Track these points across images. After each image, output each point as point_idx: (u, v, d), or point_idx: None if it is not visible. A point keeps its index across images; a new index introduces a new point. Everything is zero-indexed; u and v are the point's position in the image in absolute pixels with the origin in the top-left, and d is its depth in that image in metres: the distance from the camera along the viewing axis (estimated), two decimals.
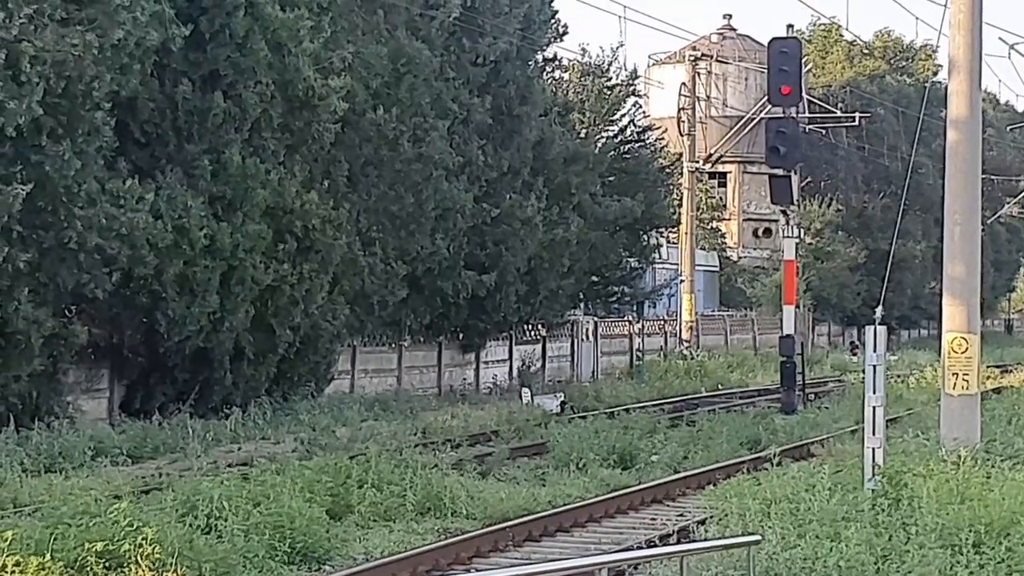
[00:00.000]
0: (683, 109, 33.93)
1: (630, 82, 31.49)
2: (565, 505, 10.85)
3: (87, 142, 14.00)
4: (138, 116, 15.81)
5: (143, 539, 7.02)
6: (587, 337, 28.74)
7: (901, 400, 17.13)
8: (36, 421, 14.13)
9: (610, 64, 30.63)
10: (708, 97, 36.88)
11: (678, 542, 8.61)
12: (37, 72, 12.78)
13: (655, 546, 8.23)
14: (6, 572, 6.49)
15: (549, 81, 27.03)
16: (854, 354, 20.34)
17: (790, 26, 22.21)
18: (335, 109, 17.64)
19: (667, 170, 31.44)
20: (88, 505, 7.96)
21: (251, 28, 16.41)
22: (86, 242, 14.02)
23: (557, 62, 27.09)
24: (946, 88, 11.66)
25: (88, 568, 7.04)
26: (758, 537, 6.70)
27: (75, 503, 8.08)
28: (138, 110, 15.74)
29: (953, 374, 9.60)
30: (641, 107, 33.08)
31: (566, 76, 29.16)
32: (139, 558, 6.94)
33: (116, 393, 17.29)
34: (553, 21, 25.65)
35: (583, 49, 30.27)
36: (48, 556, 6.65)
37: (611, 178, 27.36)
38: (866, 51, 44.52)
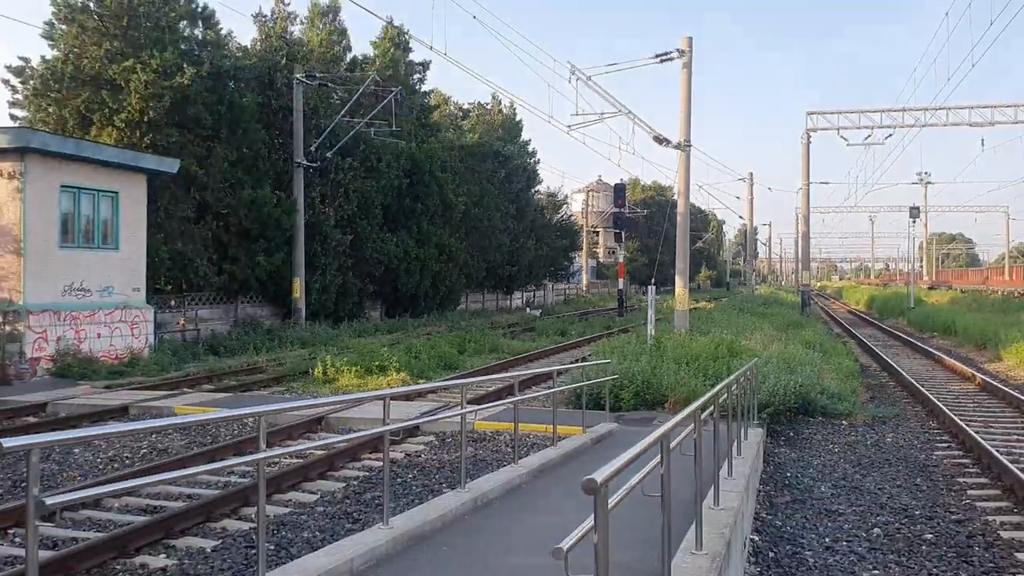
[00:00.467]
0: (584, 210, 76.70)
1: (566, 200, 65.29)
2: (542, 348, 25.52)
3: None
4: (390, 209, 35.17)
5: (393, 360, 20.61)
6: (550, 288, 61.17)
7: (662, 311, 30.76)
8: (355, 320, 31.51)
9: (561, 195, 63.67)
10: (589, 205, 76.81)
11: (583, 360, 21.75)
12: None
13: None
14: (341, 372, 20.04)
15: (535, 195, 57.36)
16: (644, 295, 37.34)
17: (621, 180, 40.82)
18: (460, 208, 38.74)
19: (576, 230, 65.67)
20: (373, 348, 22.27)
21: (432, 180, 37.14)
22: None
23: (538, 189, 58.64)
24: (675, 201, 25.05)
25: (372, 371, 20.36)
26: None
27: (367, 347, 22.44)
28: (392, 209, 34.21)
29: (680, 301, 22.80)
30: (569, 207, 68.58)
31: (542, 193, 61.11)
32: (392, 368, 20.55)
33: (383, 309, 36.92)
34: (538, 177, 56.05)
35: (549, 190, 63.18)
36: (358, 365, 20.16)
37: (558, 232, 55.27)
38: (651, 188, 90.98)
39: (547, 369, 14.57)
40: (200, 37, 28.73)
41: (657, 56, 23.39)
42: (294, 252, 29.78)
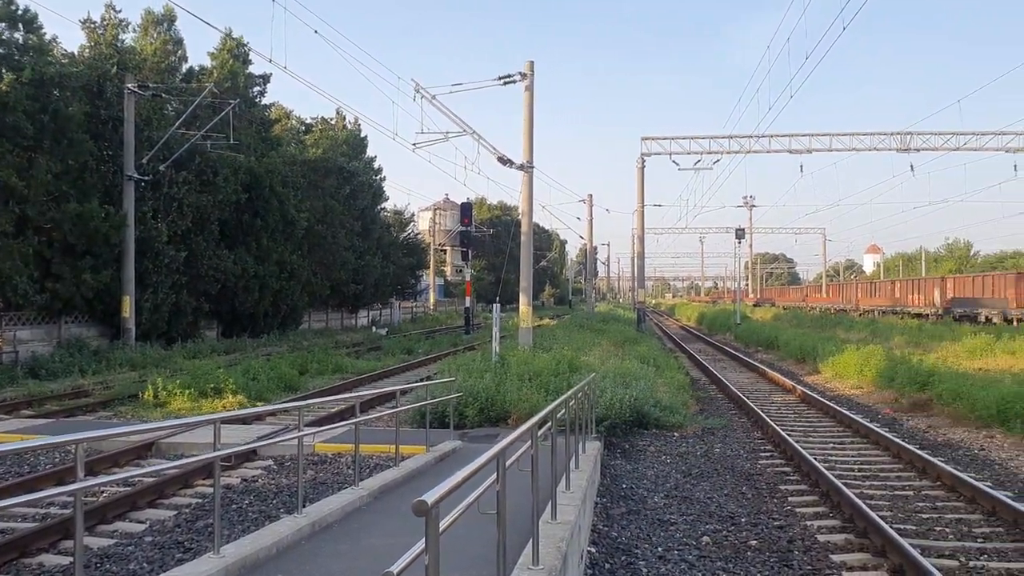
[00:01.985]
0: (431, 228, 76.57)
1: (412, 218, 68.15)
2: (387, 367, 25.32)
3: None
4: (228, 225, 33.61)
5: (230, 382, 19.99)
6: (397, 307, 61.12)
7: (507, 329, 32.00)
8: (190, 340, 29.97)
9: (408, 213, 66.44)
10: (436, 223, 77.76)
11: (429, 378, 21.82)
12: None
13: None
14: (174, 395, 19.25)
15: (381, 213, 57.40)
16: (491, 313, 37.49)
17: (468, 199, 42.43)
18: (303, 224, 38.82)
19: (423, 248, 66.50)
20: (208, 369, 21.46)
21: (273, 195, 36.57)
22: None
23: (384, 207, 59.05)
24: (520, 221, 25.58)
25: (207, 394, 19.85)
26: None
27: (202, 369, 21.60)
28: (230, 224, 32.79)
29: (523, 319, 23.32)
30: (416, 225, 69.59)
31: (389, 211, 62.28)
32: (228, 390, 19.88)
33: (219, 329, 35.98)
34: (384, 194, 56.50)
35: (396, 208, 65.02)
36: (191, 388, 19.24)
37: (404, 250, 55.34)
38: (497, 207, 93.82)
39: (391, 389, 14.44)
40: (21, 41, 26.90)
41: (500, 78, 23.76)
42: (123, 269, 28.29)
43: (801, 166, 53.97)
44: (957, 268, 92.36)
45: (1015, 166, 43.53)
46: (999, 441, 15.09)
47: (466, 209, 37.41)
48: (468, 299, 46.94)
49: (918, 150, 44.16)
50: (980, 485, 10.76)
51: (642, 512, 10.25)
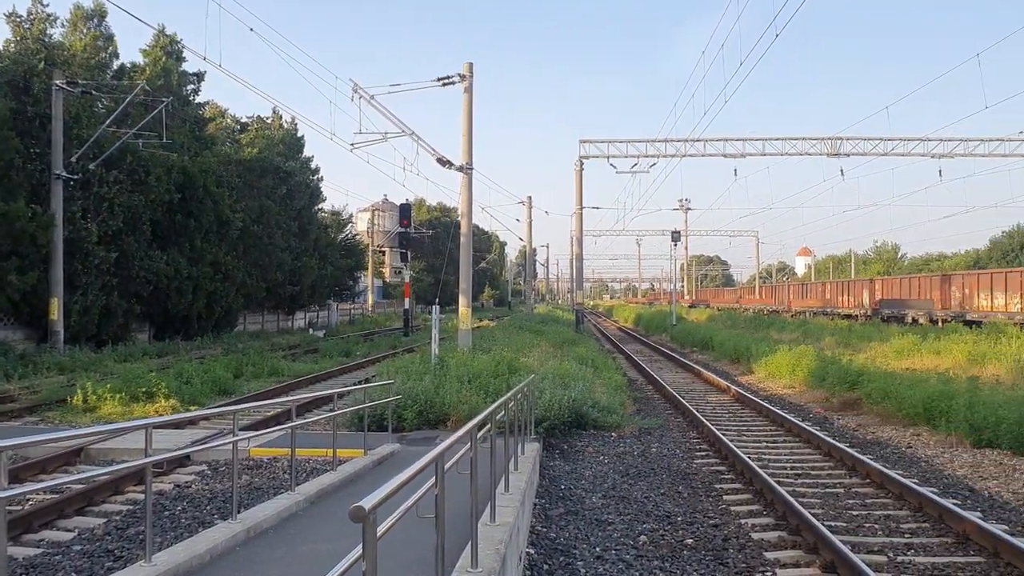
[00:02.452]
0: (370, 229, 75.81)
1: (351, 219, 66.64)
2: (325, 370, 25.06)
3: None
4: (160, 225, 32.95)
5: (162, 386, 19.46)
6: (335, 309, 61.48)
7: (447, 330, 32.29)
8: (120, 343, 29.21)
9: (346, 213, 65.33)
10: (375, 224, 77.94)
11: (367, 381, 21.65)
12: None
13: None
14: (104, 399, 18.70)
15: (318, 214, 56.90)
16: (430, 314, 38.48)
17: (407, 200, 41.10)
18: (238, 225, 38.26)
19: (362, 249, 65.68)
20: (140, 373, 20.97)
21: (207, 195, 35.75)
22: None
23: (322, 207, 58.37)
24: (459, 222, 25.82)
25: (138, 399, 19.05)
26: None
27: (134, 373, 21.09)
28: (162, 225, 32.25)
29: (463, 320, 23.35)
30: (354, 226, 68.35)
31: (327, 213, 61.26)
32: (160, 394, 19.39)
33: (151, 331, 35.04)
34: (321, 194, 56.30)
35: (334, 209, 63.82)
36: (122, 392, 18.66)
37: (343, 251, 55.52)
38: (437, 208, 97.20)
39: (328, 392, 14.32)
40: None
41: (439, 79, 23.70)
42: (51, 270, 27.49)
43: (735, 170, 54.65)
44: (885, 270, 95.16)
45: (940, 171, 45.08)
46: (925, 439, 15.54)
47: (405, 210, 37.17)
48: (407, 301, 46.76)
49: (848, 155, 45.28)
50: (907, 482, 11.07)
51: (580, 512, 10.31)
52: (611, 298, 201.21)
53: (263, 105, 45.97)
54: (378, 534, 3.10)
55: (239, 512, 7.63)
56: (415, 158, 63.84)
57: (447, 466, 4.99)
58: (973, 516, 9.31)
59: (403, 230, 35.83)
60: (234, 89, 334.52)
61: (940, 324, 37.54)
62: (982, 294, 42.03)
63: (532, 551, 8.55)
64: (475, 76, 23.73)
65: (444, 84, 23.61)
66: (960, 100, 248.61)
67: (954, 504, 9.98)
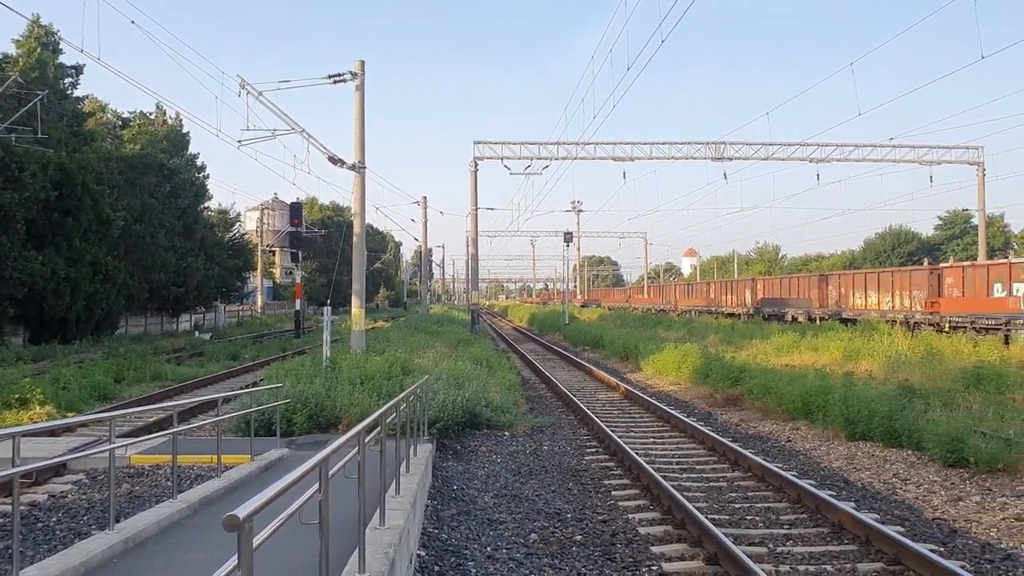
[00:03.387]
0: (259, 228, 73.10)
1: (239, 218, 64.80)
2: (211, 374, 24.41)
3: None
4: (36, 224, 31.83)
5: (37, 392, 18.59)
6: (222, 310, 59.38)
7: (339, 332, 32.37)
8: None
9: (233, 212, 63.07)
10: (264, 223, 75.29)
11: (256, 384, 21.18)
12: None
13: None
14: None
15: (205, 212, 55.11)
16: (322, 316, 37.51)
17: (298, 198, 42.47)
18: (119, 224, 36.85)
19: (250, 249, 63.75)
20: (13, 378, 19.87)
21: (86, 193, 34.35)
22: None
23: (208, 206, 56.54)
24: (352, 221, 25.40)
25: (11, 405, 17.94)
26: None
27: (6, 378, 19.94)
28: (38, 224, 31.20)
29: (356, 322, 23.18)
30: (242, 225, 67.40)
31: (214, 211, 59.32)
32: (35, 400, 18.48)
33: (26, 335, 33.37)
34: (207, 193, 53.84)
35: (221, 207, 61.28)
36: None
37: (230, 251, 54.15)
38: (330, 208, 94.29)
39: (214, 396, 13.89)
40: None
41: (330, 77, 23.35)
42: None
43: (624, 173, 56.00)
44: (766, 270, 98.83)
45: (818, 175, 47.11)
46: (804, 432, 16.19)
47: (296, 209, 36.58)
48: (298, 302, 45.96)
49: (731, 159, 46.79)
50: (787, 475, 11.52)
51: (472, 512, 10.33)
52: (506, 298, 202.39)
53: (147, 100, 44.48)
54: (255, 543, 3.04)
55: (118, 522, 7.35)
56: (306, 156, 63.13)
57: (333, 471, 4.93)
58: (847, 506, 9.75)
59: (294, 229, 35.21)
60: (118, 85, 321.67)
61: (818, 322, 39.21)
62: (857, 293, 44.07)
63: (423, 553, 8.52)
64: (368, 75, 23.51)
65: (335, 82, 23.29)
66: (836, 107, 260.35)
67: (830, 495, 10.42)
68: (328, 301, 22.40)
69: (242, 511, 2.85)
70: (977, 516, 9.90)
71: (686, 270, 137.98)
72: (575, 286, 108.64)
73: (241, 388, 20.68)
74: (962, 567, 7.71)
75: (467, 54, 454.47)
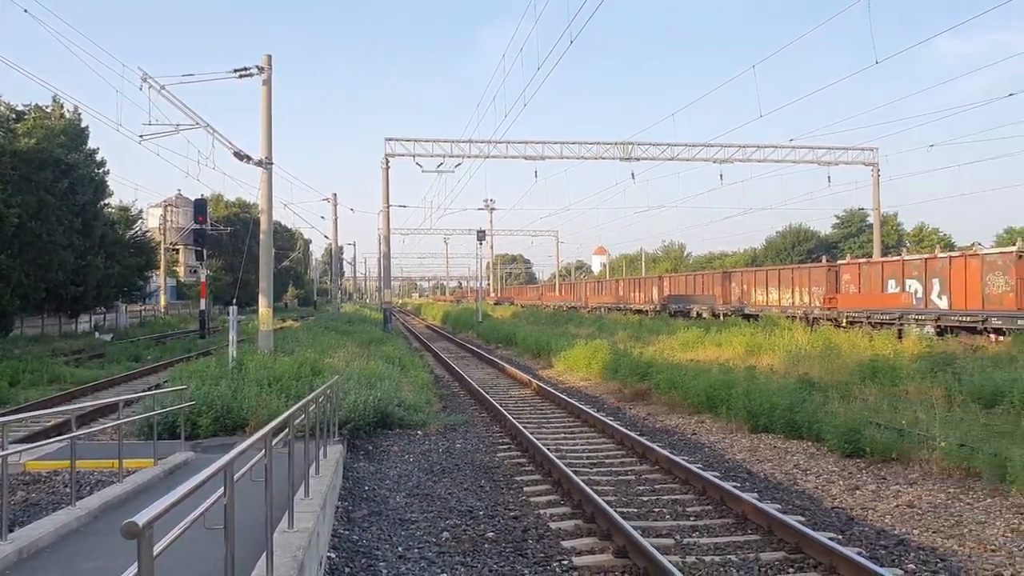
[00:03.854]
0: (162, 226, 71.35)
1: (141, 215, 60.57)
2: (112, 376, 23.67)
3: None
4: None
5: None
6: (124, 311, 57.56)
7: (247, 332, 32.19)
8: None
9: (135, 209, 59.82)
10: (168, 220, 73.86)
11: (159, 387, 20.59)
12: None
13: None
14: None
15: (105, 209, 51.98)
16: (228, 315, 38.78)
17: (202, 195, 40.85)
18: (13, 221, 34.31)
19: (153, 247, 60.63)
20: None
21: None
22: None
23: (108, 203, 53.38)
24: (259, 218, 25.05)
25: None
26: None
27: None
28: None
29: (264, 322, 22.83)
30: (145, 222, 62.18)
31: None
32: None
33: None
34: (108, 189, 50.93)
35: (122, 204, 58.66)
36: None
37: (132, 249, 52.01)
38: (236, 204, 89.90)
39: (115, 399, 13.45)
40: None
41: (236, 71, 22.84)
42: None
43: (536, 172, 56.27)
44: (673, 268, 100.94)
45: (721, 175, 48.22)
46: (709, 426, 16.61)
47: (200, 206, 35.60)
48: (203, 301, 44.86)
49: (638, 159, 47.58)
50: (692, 467, 11.81)
51: (384, 513, 10.28)
52: (420, 296, 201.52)
53: (43, 93, 42.65)
54: (157, 550, 2.97)
55: (11, 531, 7.06)
56: (211, 152, 61.00)
57: (240, 474, 4.85)
58: (750, 497, 10.05)
59: (199, 227, 34.29)
60: (11, 76, 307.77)
61: (722, 318, 40.24)
62: (758, 290, 45.40)
63: (333, 555, 8.43)
64: (276, 71, 23.10)
65: (241, 76, 22.79)
66: (738, 109, 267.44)
67: (734, 487, 10.74)
68: (235, 300, 21.89)
69: (142, 517, 2.78)
70: (873, 504, 10.33)
71: (596, 268, 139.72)
72: (488, 284, 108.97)
73: (144, 390, 20.05)
74: (859, 553, 8.04)
75: (380, 51, 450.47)
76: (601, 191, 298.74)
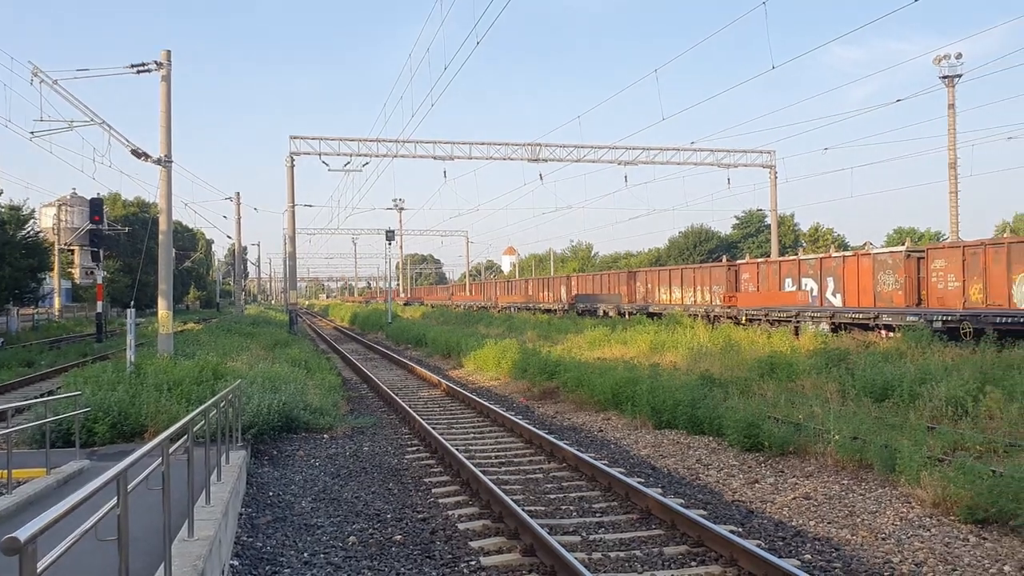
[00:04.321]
0: (56, 226, 68.00)
1: (32, 215, 57.49)
2: (1, 383, 22.63)
3: None
4: None
5: None
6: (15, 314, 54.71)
7: (146, 335, 31.84)
8: None
9: (27, 209, 56.10)
10: (62, 220, 70.26)
11: (51, 394, 19.75)
12: None
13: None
14: None
15: None
16: (126, 317, 36.48)
17: (98, 194, 37.93)
18: None
19: (46, 248, 58.61)
20: None
21: None
22: None
23: None
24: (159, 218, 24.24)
25: None
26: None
27: None
28: None
29: (163, 324, 22.27)
30: (37, 222, 59.92)
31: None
32: None
33: None
34: None
35: (12, 203, 54.57)
36: None
37: (23, 250, 50.45)
38: (134, 204, 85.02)
39: (3, 407, 12.88)
40: None
41: (134, 66, 22.12)
42: None
43: (445, 172, 56.15)
44: (580, 268, 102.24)
45: (626, 177, 49.22)
46: (615, 422, 16.88)
47: (96, 205, 34.28)
48: (100, 304, 43.23)
49: (546, 160, 48.05)
50: (599, 464, 11.97)
51: (289, 518, 10.11)
52: (327, 297, 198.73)
53: None
54: (42, 565, 2.85)
55: None
56: (107, 149, 59.04)
57: (135, 482, 4.70)
58: (654, 492, 10.26)
59: (95, 227, 33.02)
60: None
61: (627, 316, 40.94)
62: (662, 289, 46.37)
63: (236, 563, 8.26)
64: (177, 68, 22.46)
65: (139, 71, 22.09)
66: (643, 112, 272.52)
67: (638, 482, 10.94)
68: (133, 303, 21.17)
69: (24, 532, 2.67)
70: (772, 497, 10.67)
71: (506, 268, 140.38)
72: (398, 284, 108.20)
73: (36, 397, 19.22)
74: (758, 545, 8.30)
75: (285, 49, 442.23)
76: (510, 191, 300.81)
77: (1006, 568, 7.58)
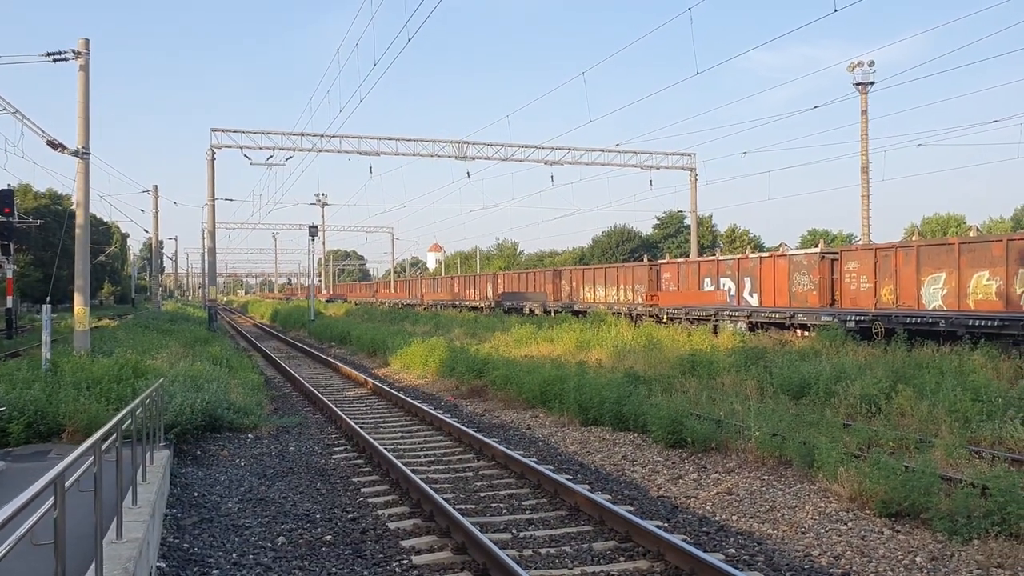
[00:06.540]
0: None
1: None
2: None
3: None
4: None
5: None
6: None
7: (61, 332, 31.87)
8: None
9: None
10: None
11: None
12: None
13: None
14: None
15: None
16: (39, 314, 36.57)
17: (9, 185, 37.84)
18: None
19: None
20: None
21: None
22: None
23: None
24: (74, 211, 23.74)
25: None
26: None
27: None
28: None
29: (80, 321, 21.70)
30: None
31: None
32: None
33: None
34: None
35: None
36: None
37: None
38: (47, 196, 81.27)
39: None
40: None
41: (50, 55, 21.43)
42: None
43: (371, 167, 55.91)
44: (506, 265, 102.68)
45: (552, 176, 49.56)
46: (542, 420, 17.06)
47: (7, 197, 33.04)
48: (10, 299, 41.66)
49: (474, 158, 48.16)
50: (527, 461, 12.12)
51: (215, 519, 9.99)
52: (247, 293, 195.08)
53: None
54: None
55: None
56: (20, 139, 56.95)
57: (68, 484, 4.62)
58: (582, 489, 10.44)
59: (5, 219, 31.84)
60: None
61: (553, 314, 41.33)
62: (586, 287, 46.95)
63: (163, 565, 8.13)
64: (96, 57, 21.82)
65: (56, 60, 21.41)
66: (569, 113, 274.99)
67: (567, 479, 11.11)
68: (47, 298, 20.50)
69: None
70: (695, 492, 10.96)
71: (431, 265, 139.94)
72: (320, 281, 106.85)
73: None
74: (684, 539, 8.54)
75: (207, 40, 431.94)
76: (437, 189, 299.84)
77: (918, 559, 7.97)
